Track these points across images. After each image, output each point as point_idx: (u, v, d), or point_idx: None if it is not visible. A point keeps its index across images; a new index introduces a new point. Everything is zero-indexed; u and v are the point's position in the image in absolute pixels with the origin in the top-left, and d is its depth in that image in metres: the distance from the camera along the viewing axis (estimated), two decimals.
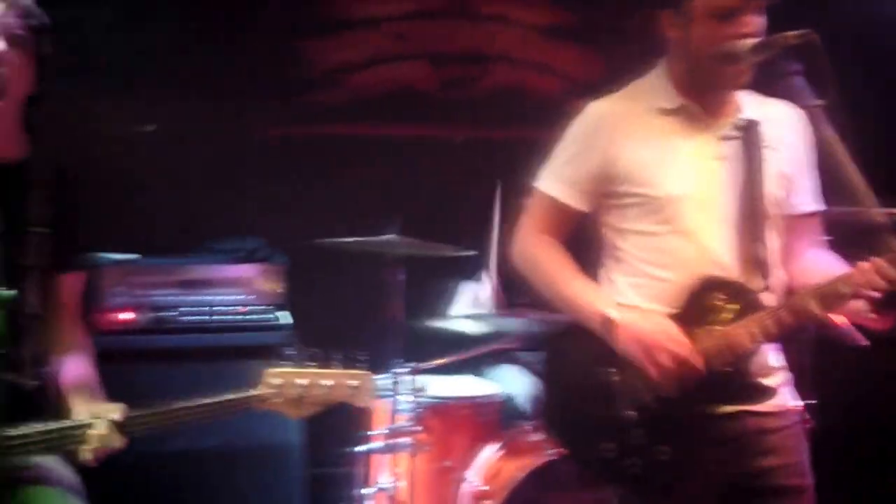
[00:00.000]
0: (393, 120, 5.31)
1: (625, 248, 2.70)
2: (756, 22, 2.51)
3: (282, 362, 2.41)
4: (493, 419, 4.11)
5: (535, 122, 5.37)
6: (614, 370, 2.59)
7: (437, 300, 4.54)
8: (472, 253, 4.31)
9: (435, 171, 5.19)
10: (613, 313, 2.58)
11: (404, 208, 4.25)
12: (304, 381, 2.41)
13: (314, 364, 2.42)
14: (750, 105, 2.68)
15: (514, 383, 4.25)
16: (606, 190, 2.67)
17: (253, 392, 2.41)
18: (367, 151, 5.20)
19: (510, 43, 5.46)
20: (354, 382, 2.42)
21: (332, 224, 4.05)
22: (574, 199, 2.71)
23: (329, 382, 2.41)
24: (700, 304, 2.56)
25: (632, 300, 2.65)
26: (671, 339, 2.51)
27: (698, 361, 2.49)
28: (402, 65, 5.36)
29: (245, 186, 4.92)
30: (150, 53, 4.78)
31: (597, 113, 2.72)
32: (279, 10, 5.13)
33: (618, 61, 5.22)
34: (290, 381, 2.40)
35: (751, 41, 2.48)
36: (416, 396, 3.95)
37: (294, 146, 5.11)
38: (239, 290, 4.38)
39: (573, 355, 2.69)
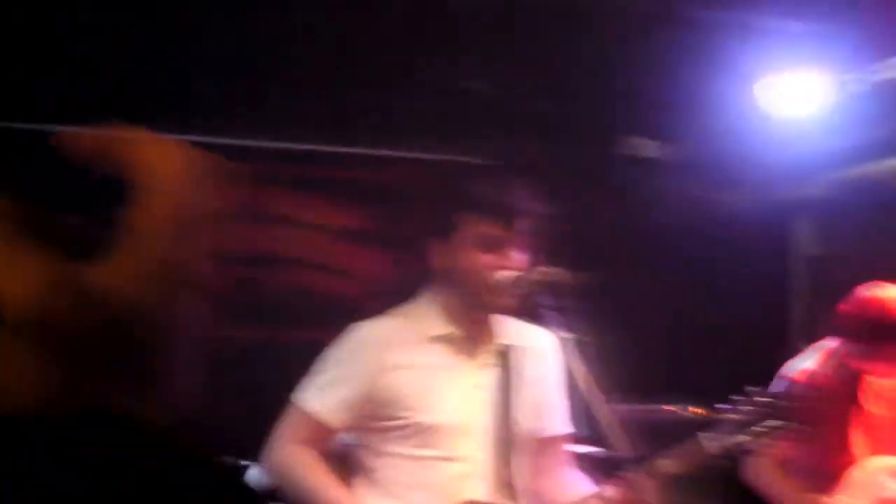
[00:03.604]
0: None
1: (382, 470, 2.71)
2: (519, 256, 2.64)
3: None
4: None
5: (323, 323, 5.46)
6: None
7: None
8: None
9: (225, 373, 5.10)
10: None
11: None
12: None
13: None
14: (510, 331, 2.78)
15: None
16: (368, 412, 2.69)
17: None
18: None
19: (298, 244, 5.53)
20: None
21: None
22: (335, 419, 2.69)
23: None
24: None
25: None
26: None
27: None
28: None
29: None
30: None
31: (364, 335, 2.75)
32: None
33: (407, 263, 5.37)
34: None
35: (512, 274, 2.60)
36: None
37: None
38: None
39: None
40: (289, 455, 2.72)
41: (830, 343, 3.99)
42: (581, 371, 2.51)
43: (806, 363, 3.98)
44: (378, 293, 5.57)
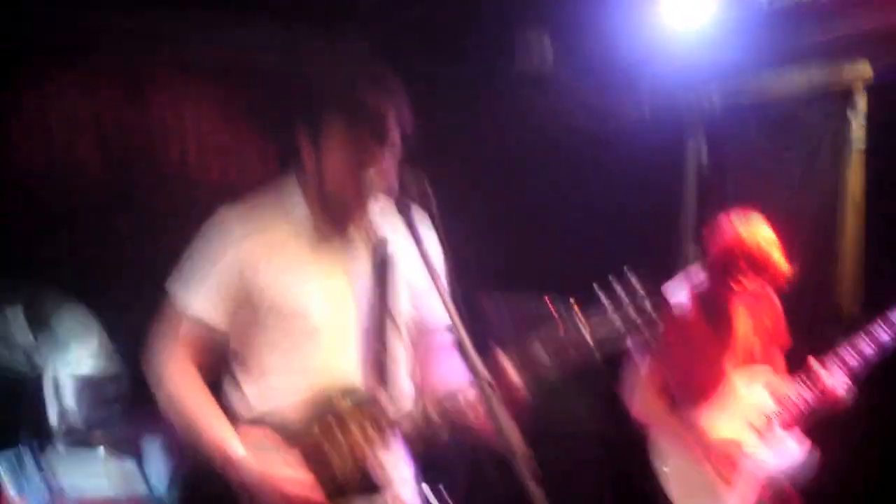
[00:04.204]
0: (56, 199, 5.13)
1: (250, 358, 2.68)
2: (384, 163, 2.58)
3: None
4: None
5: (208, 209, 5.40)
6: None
7: None
8: None
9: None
10: (237, 456, 2.54)
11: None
12: None
13: None
14: (383, 220, 2.74)
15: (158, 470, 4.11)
16: (239, 303, 2.64)
17: None
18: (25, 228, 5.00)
19: (185, 128, 5.43)
20: None
21: None
22: (219, 319, 2.65)
23: None
24: (324, 412, 2.61)
25: (257, 411, 2.64)
26: (290, 480, 2.52)
27: (320, 498, 2.52)
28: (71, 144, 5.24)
29: None
30: None
31: (226, 223, 2.68)
32: None
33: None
34: None
35: (375, 182, 2.56)
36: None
37: None
38: None
39: (205, 485, 2.62)
40: (172, 373, 2.66)
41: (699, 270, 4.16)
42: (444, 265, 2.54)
43: (679, 290, 4.10)
44: (259, 178, 5.54)
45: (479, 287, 4.86)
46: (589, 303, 2.59)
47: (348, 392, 2.62)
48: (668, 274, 4.75)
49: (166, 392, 2.67)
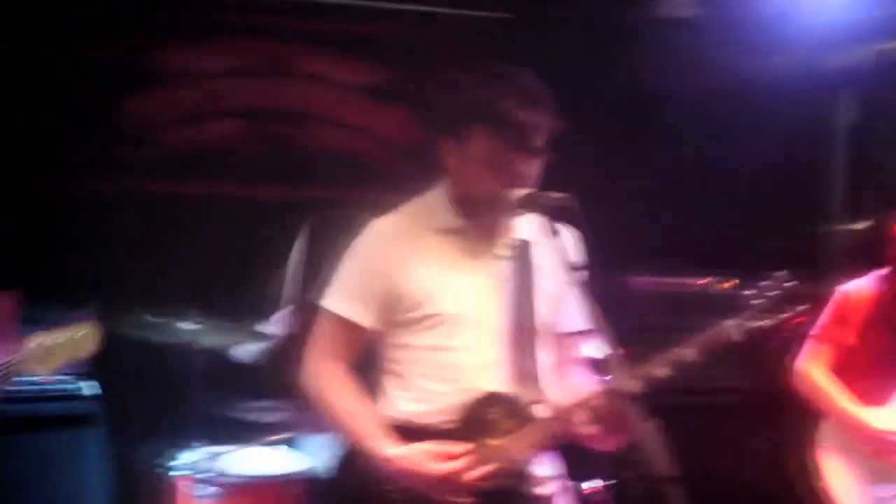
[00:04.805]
0: (207, 177, 5.26)
1: (403, 363, 2.75)
2: (528, 172, 2.61)
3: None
4: (300, 495, 4.11)
5: (349, 182, 5.50)
6: (393, 487, 2.63)
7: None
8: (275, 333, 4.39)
9: (248, 230, 5.18)
10: (388, 454, 2.61)
11: (211, 276, 4.17)
12: (48, 341, 3.00)
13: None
14: (526, 223, 2.76)
15: (321, 453, 4.26)
16: (389, 308, 2.72)
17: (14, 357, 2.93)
18: (180, 209, 5.14)
19: (327, 102, 5.49)
20: (81, 332, 3.07)
21: (138, 299, 4.01)
22: (363, 317, 2.73)
23: (62, 339, 3.03)
24: (475, 418, 2.66)
25: (408, 415, 2.71)
26: (443, 475, 2.58)
27: (472, 489, 2.58)
28: (219, 122, 5.32)
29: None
30: None
31: (379, 232, 2.76)
32: (99, 64, 5.03)
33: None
34: (39, 343, 2.98)
35: (518, 192, 2.58)
36: (218, 475, 3.94)
37: (105, 205, 5.02)
38: None
39: (356, 474, 2.71)
40: (321, 372, 2.76)
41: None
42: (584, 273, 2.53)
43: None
44: (398, 152, 5.60)
45: (626, 266, 4.86)
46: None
47: (494, 396, 2.67)
48: (815, 238, 4.70)
49: (314, 389, 2.77)
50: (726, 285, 4.89)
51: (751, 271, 2.73)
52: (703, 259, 5.04)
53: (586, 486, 4.18)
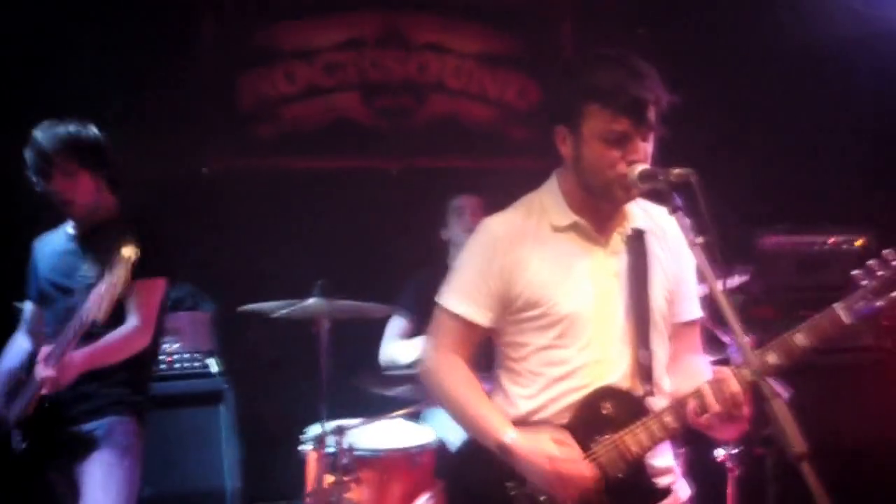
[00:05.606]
0: (327, 152, 5.29)
1: (520, 360, 2.75)
2: (644, 148, 2.57)
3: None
4: (427, 467, 4.13)
5: (471, 151, 5.47)
6: (513, 484, 2.64)
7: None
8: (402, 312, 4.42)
9: (371, 203, 5.20)
10: (509, 439, 2.61)
11: (335, 254, 4.18)
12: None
13: None
14: (638, 213, 2.75)
15: (447, 426, 4.27)
16: (506, 306, 2.73)
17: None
18: (301, 184, 5.19)
19: (444, 72, 5.46)
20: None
21: (262, 277, 4.05)
22: (480, 317, 2.74)
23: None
24: (591, 413, 2.64)
25: (525, 411, 2.71)
26: (564, 461, 2.56)
27: (592, 476, 2.56)
28: (336, 96, 5.34)
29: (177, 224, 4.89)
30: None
31: (494, 232, 2.77)
32: (214, 42, 5.10)
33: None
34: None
35: (638, 168, 2.54)
36: (347, 449, 3.97)
37: (227, 181, 5.10)
38: (166, 339, 4.32)
39: (476, 471, 2.73)
40: (441, 367, 2.79)
41: None
42: (706, 265, 2.40)
43: None
44: (518, 119, 5.55)
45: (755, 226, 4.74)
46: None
47: (609, 391, 2.66)
48: None
49: (437, 384, 2.80)
50: (857, 243, 4.80)
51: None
52: (835, 217, 4.91)
53: (718, 452, 4.16)
